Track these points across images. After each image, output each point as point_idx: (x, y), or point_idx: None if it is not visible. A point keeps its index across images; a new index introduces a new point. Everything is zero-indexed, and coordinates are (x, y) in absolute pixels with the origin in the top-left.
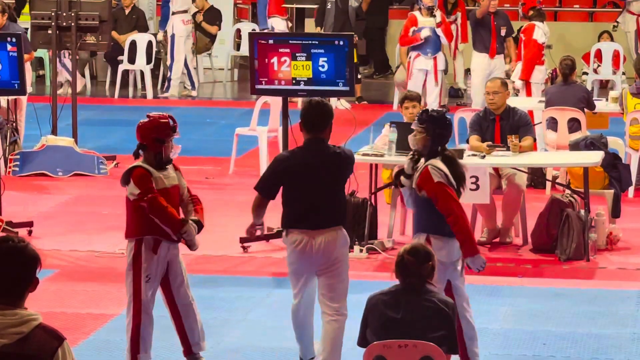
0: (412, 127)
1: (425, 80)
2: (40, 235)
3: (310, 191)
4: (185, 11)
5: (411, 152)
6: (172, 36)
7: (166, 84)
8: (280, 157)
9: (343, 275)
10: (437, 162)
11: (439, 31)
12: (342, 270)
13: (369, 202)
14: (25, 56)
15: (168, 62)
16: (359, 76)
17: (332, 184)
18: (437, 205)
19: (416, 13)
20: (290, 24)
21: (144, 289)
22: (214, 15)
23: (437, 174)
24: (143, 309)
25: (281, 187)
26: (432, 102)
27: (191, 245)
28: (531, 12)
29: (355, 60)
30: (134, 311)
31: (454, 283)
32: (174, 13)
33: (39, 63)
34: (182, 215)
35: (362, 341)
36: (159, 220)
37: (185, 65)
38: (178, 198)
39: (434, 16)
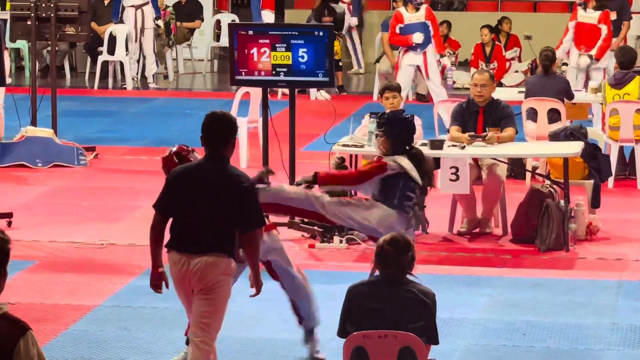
0: (374, 131)
1: (415, 75)
2: (19, 227)
3: (194, 212)
4: (147, 2)
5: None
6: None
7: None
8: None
9: (218, 307)
10: (399, 158)
11: (428, 24)
12: (219, 301)
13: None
14: None
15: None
16: (340, 64)
17: (217, 208)
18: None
19: (401, 9)
20: None
21: None
22: (193, 8)
23: (390, 160)
24: None
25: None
26: (440, 95)
27: None
28: (595, 3)
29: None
30: None
31: None
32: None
33: (17, 54)
34: None
35: (342, 332)
36: None
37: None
38: None
39: (418, 9)
